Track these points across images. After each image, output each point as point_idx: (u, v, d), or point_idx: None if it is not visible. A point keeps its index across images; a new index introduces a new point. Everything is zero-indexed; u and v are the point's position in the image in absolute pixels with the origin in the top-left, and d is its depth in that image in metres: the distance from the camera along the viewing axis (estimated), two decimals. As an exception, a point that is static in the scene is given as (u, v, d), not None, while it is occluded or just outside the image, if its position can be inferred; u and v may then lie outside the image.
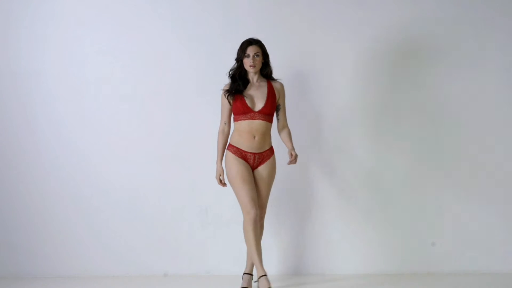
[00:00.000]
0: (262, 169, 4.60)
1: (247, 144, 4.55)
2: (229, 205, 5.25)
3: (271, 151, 4.67)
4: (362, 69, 5.37)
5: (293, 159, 4.64)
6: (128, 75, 5.43)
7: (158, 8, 5.42)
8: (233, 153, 4.56)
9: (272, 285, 4.54)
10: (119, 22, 5.43)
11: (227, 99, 4.60)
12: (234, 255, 5.31)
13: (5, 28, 5.43)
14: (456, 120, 5.36)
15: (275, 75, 4.79)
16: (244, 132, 4.55)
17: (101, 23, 5.44)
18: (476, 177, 5.34)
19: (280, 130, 4.76)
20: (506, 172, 5.33)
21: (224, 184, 4.62)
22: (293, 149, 4.66)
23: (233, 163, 4.54)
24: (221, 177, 4.60)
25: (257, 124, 4.55)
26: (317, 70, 5.37)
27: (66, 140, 5.45)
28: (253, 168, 4.61)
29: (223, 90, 4.64)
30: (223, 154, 4.63)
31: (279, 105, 4.70)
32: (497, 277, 5.12)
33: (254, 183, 4.58)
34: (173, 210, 5.41)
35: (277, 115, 4.73)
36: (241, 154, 4.56)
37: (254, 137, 4.55)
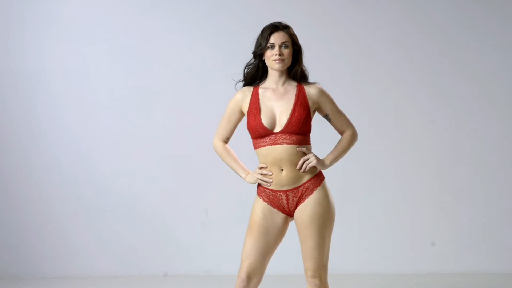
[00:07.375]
0: (301, 210, 3.11)
1: (274, 180, 3.07)
2: (229, 205, 5.25)
3: (315, 181, 3.10)
4: (362, 69, 5.39)
5: (304, 161, 3.07)
6: (129, 75, 5.43)
7: (158, 7, 5.43)
8: (259, 194, 3.13)
9: None
10: (119, 22, 5.44)
11: (238, 103, 3.09)
12: (234, 255, 5.30)
13: (6, 28, 5.43)
14: (456, 120, 5.37)
15: None
16: (267, 164, 3.06)
17: (101, 23, 5.44)
18: (476, 177, 5.35)
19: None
20: (506, 172, 5.35)
21: (266, 175, 3.07)
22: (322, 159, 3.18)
23: (254, 207, 3.14)
24: (260, 170, 3.07)
25: (282, 150, 3.02)
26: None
27: (66, 140, 5.45)
28: (291, 213, 3.17)
29: (239, 86, 3.15)
30: (239, 165, 3.18)
31: (326, 115, 3.26)
32: (497, 277, 5.13)
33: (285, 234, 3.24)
34: (173, 210, 5.42)
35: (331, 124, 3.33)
36: (268, 196, 3.11)
37: (282, 169, 3.04)
